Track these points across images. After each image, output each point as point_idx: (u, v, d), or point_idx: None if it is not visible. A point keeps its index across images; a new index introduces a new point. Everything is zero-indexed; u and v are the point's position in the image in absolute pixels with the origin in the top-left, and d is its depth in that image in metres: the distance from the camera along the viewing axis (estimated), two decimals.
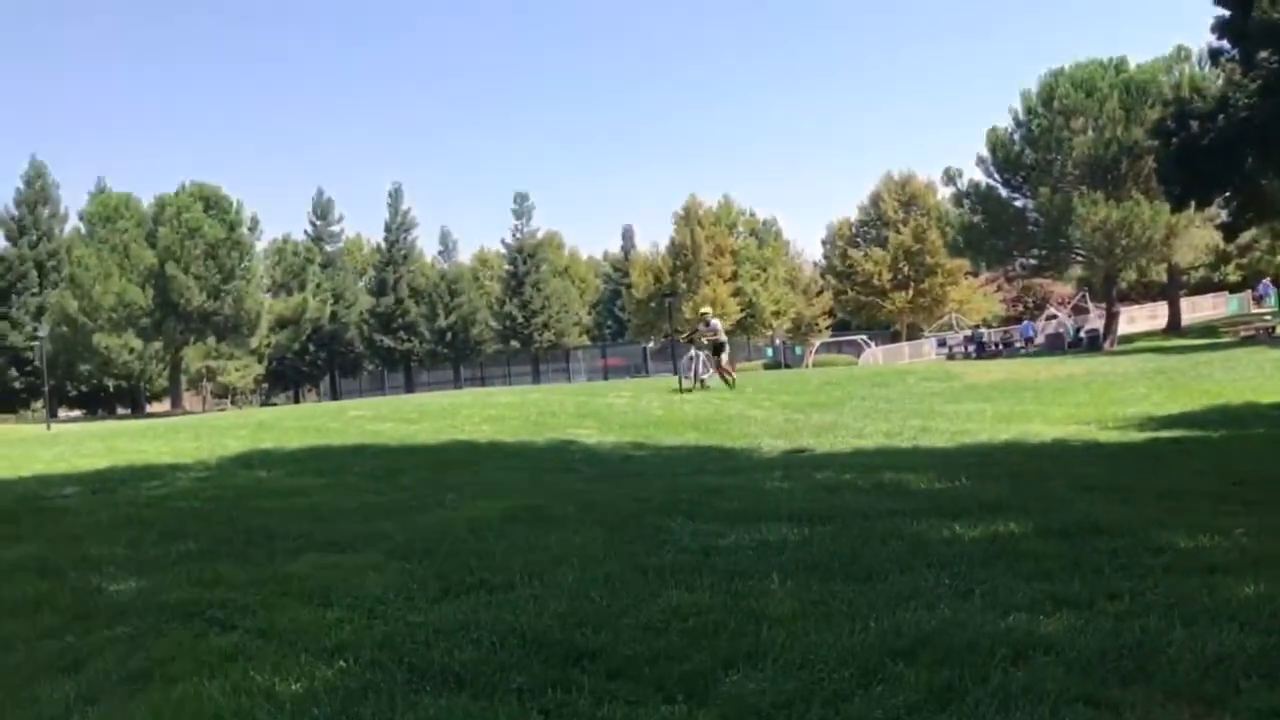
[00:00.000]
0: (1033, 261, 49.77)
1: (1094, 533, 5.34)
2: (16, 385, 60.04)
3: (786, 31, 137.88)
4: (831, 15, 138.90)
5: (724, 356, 22.46)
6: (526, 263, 68.74)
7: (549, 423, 15.66)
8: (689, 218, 62.80)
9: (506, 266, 71.05)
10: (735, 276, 61.85)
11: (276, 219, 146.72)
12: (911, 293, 62.15)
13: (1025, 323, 51.52)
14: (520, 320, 67.09)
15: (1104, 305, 47.27)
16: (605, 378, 52.86)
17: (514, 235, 69.97)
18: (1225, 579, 4.30)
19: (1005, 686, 3.05)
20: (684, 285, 60.86)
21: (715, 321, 23.40)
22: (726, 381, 21.97)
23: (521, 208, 69.71)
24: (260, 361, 63.69)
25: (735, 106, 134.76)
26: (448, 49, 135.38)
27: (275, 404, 64.08)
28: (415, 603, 4.53)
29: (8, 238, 60.60)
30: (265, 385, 72.70)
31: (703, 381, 21.54)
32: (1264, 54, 31.52)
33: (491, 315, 69.57)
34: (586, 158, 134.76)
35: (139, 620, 4.53)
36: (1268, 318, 45.06)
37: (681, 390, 20.89)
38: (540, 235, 73.11)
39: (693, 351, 22.44)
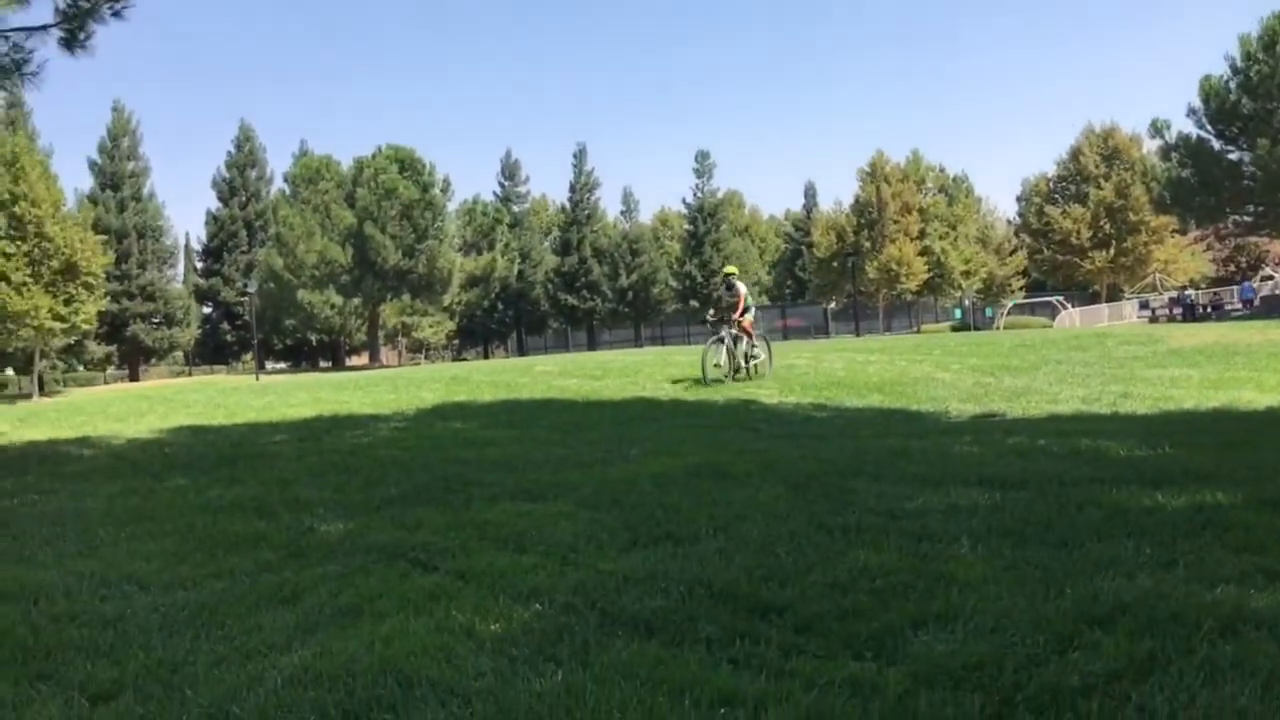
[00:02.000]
0: (1248, 219, 46.61)
1: None
2: (229, 338, 64.35)
3: None
4: None
5: (745, 342, 16.75)
6: (706, 222, 68.68)
7: (728, 382, 15.71)
8: (875, 174, 61.39)
9: (686, 226, 71.18)
10: (923, 235, 60.22)
11: (467, 180, 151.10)
12: (1113, 252, 59.04)
13: (1245, 283, 48.21)
14: (700, 280, 67.18)
15: None
16: (785, 338, 52.53)
17: (694, 194, 69.97)
18: None
19: (1213, 659, 2.93)
20: (868, 244, 59.69)
21: (740, 285, 17.33)
22: (746, 370, 16.69)
23: (703, 166, 69.58)
24: (452, 318, 66.14)
25: (925, 58, 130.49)
26: (629, 11, 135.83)
27: (466, 359, 66.41)
28: (605, 551, 4.67)
29: (220, 199, 64.58)
30: (456, 341, 75.47)
31: (746, 362, 16.57)
32: None
33: (671, 275, 69.92)
34: (770, 114, 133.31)
35: (347, 559, 4.83)
36: None
37: (706, 379, 15.82)
38: (720, 194, 72.87)
39: (721, 332, 16.63)
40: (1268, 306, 41.98)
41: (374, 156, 55.77)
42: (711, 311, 18.94)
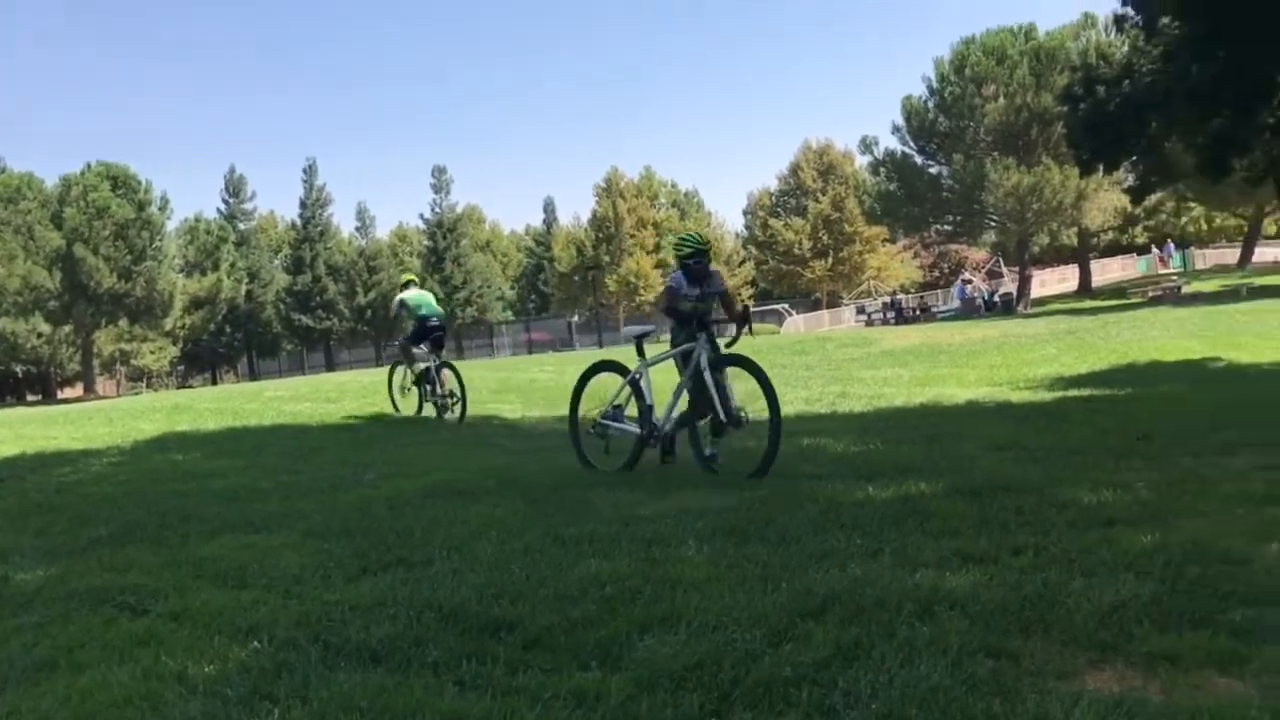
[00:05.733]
0: (948, 228, 50.79)
1: (1002, 490, 5.49)
2: None
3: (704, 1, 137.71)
4: None
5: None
6: (446, 237, 68.03)
7: (470, 399, 15.56)
8: (611, 190, 62.75)
9: (426, 242, 70.27)
10: (658, 248, 61.94)
11: (189, 197, 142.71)
12: (831, 261, 62.92)
13: (958, 285, 52.11)
14: (441, 296, 66.31)
15: (1017, 269, 48.35)
16: (530, 352, 52.68)
17: (433, 210, 69.19)
18: (1124, 531, 4.45)
19: (911, 640, 3.14)
20: (607, 258, 60.84)
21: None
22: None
23: (440, 181, 68.94)
24: (175, 343, 62.22)
25: (656, 77, 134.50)
26: (356, 19, 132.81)
27: (192, 386, 62.74)
28: (332, 581, 4.51)
29: None
30: (181, 368, 71.08)
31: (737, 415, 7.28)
32: (1165, 20, 32.33)
33: None
34: (508, 130, 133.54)
35: (46, 609, 4.44)
36: (1174, 279, 46.42)
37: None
38: (460, 209, 72.43)
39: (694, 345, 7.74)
40: (965, 308, 45.71)
41: (83, 174, 51.83)
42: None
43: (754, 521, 5.05)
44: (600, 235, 62.15)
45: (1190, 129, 32.86)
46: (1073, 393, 11.82)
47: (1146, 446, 7.02)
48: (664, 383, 7.80)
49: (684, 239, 7.83)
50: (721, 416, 7.01)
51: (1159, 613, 3.31)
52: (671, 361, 7.70)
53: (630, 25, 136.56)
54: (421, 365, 13.28)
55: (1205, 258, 60.65)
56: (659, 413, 7.58)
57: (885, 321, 46.00)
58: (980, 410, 10.60)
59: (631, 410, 7.77)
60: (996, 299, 45.77)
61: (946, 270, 68.29)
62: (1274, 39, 28.62)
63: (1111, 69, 35.95)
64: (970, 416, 10.03)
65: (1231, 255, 58.67)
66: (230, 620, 3.97)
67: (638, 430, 7.53)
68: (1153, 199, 50.37)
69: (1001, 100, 43.46)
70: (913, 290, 63.03)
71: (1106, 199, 44.01)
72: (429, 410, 13.20)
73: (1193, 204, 59.28)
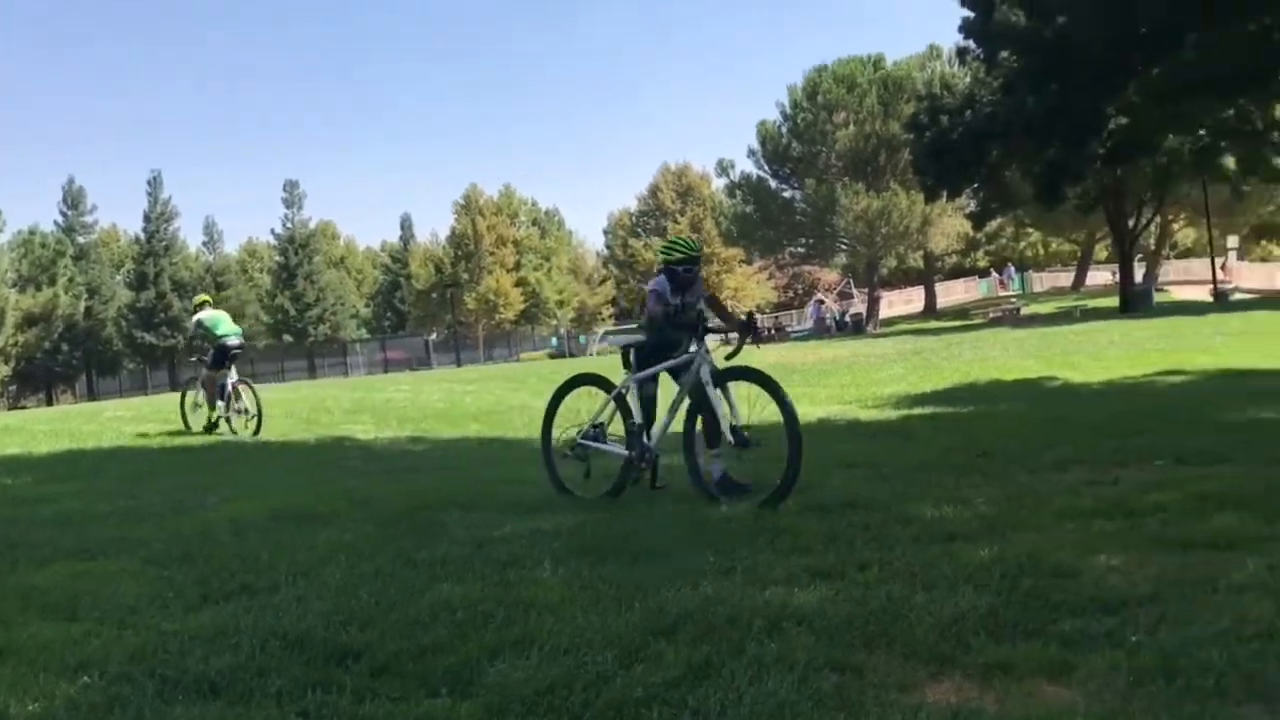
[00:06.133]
0: (801, 250, 52.17)
1: (850, 507, 5.63)
2: None
3: (565, 18, 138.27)
4: (609, 4, 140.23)
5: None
6: (299, 253, 66.44)
7: (322, 420, 15.20)
8: (470, 207, 62.40)
9: (277, 258, 68.50)
10: (518, 266, 61.86)
11: (23, 209, 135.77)
12: None
13: (813, 305, 53.46)
14: (293, 313, 64.78)
15: (867, 290, 49.95)
16: (386, 371, 51.71)
17: (285, 225, 67.45)
18: (964, 545, 4.62)
19: (760, 658, 3.18)
20: (466, 275, 60.35)
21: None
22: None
23: (292, 195, 67.35)
24: (7, 362, 59.01)
25: (517, 94, 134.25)
26: (207, 22, 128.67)
27: (26, 407, 59.46)
28: (171, 610, 4.32)
29: None
30: (14, 388, 67.31)
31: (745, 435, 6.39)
32: (1005, 54, 34.10)
33: (262, 308, 66.85)
34: (362, 144, 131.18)
35: None
36: (1013, 300, 48.68)
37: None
38: (313, 224, 70.83)
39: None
40: (819, 329, 46.96)
41: None
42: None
43: (610, 541, 5.06)
44: (459, 252, 61.67)
45: (1027, 158, 34.73)
46: (918, 411, 12.23)
47: (986, 463, 7.30)
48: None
49: (675, 242, 7.12)
50: (729, 437, 6.33)
51: (995, 624, 3.44)
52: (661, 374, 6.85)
53: (490, 41, 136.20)
54: (220, 383, 13.41)
55: (1042, 281, 63.83)
56: (654, 428, 6.80)
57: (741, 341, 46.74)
58: (831, 428, 10.88)
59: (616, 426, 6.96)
60: (847, 319, 47.13)
61: (800, 291, 70.11)
62: (1102, 76, 30.44)
63: (955, 99, 37.63)
64: (821, 434, 10.26)
65: (1066, 278, 61.92)
66: (59, 654, 3.76)
67: (625, 451, 6.70)
68: (993, 224, 52.91)
69: (852, 127, 44.95)
70: (768, 310, 64.42)
71: (950, 224, 45.95)
72: (223, 426, 13.38)
73: (1030, 229, 62.42)
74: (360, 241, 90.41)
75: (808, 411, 12.49)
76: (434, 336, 62.71)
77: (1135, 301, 36.09)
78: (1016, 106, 32.65)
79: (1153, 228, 45.19)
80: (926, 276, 57.02)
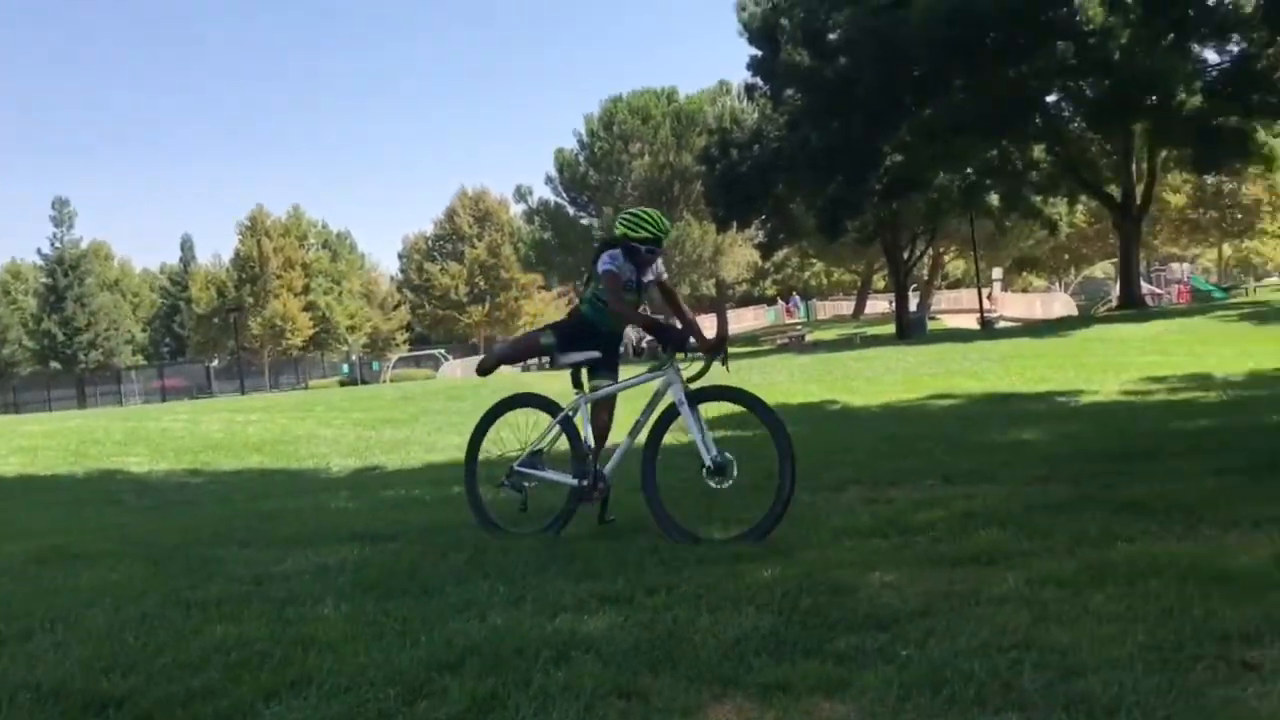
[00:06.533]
0: None
1: (640, 531, 5.69)
2: None
3: (358, 42, 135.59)
4: (407, 24, 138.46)
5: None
6: (69, 275, 62.44)
7: (92, 452, 14.27)
8: (256, 228, 60.16)
9: (44, 279, 64.08)
10: (307, 290, 59.97)
11: None
12: (488, 306, 63.56)
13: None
14: (62, 339, 60.69)
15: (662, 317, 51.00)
16: (164, 399, 49.04)
17: (53, 245, 63.24)
18: (748, 566, 4.72)
19: (546, 688, 3.16)
20: (251, 299, 58.07)
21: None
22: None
23: (62, 214, 63.32)
24: None
25: (305, 114, 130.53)
26: None
27: None
28: None
29: None
30: None
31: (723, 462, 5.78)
32: (790, 91, 35.56)
33: (26, 333, 62.35)
34: (139, 161, 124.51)
35: None
36: (799, 328, 50.67)
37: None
38: (85, 245, 66.66)
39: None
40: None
41: None
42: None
43: (397, 574, 4.93)
44: (244, 275, 59.33)
45: (811, 192, 36.29)
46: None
47: (772, 484, 7.51)
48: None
49: (642, 216, 5.98)
50: (706, 463, 5.70)
51: (776, 643, 3.53)
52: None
53: (277, 57, 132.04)
54: None
55: (825, 309, 66.72)
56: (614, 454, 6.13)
57: (541, 368, 46.77)
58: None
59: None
60: (644, 345, 47.80)
61: None
62: (879, 115, 32.19)
63: (744, 134, 38.94)
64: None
65: (847, 307, 64.98)
66: None
67: (572, 481, 6.00)
68: (780, 254, 54.95)
69: (646, 158, 45.94)
70: None
71: (741, 253, 47.52)
72: None
73: (814, 259, 65.16)
74: (137, 263, 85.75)
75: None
76: (216, 363, 60.01)
77: (910, 329, 38.09)
78: (800, 142, 34.08)
79: (926, 259, 48.01)
80: (719, 304, 58.59)
